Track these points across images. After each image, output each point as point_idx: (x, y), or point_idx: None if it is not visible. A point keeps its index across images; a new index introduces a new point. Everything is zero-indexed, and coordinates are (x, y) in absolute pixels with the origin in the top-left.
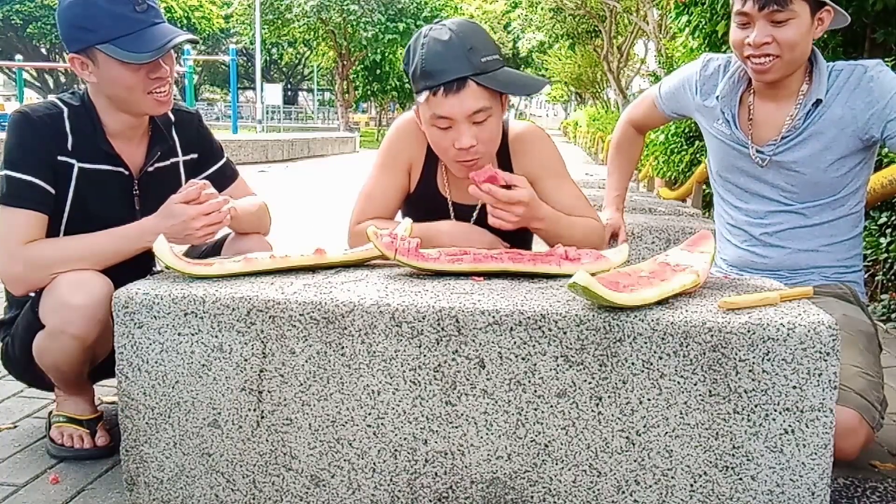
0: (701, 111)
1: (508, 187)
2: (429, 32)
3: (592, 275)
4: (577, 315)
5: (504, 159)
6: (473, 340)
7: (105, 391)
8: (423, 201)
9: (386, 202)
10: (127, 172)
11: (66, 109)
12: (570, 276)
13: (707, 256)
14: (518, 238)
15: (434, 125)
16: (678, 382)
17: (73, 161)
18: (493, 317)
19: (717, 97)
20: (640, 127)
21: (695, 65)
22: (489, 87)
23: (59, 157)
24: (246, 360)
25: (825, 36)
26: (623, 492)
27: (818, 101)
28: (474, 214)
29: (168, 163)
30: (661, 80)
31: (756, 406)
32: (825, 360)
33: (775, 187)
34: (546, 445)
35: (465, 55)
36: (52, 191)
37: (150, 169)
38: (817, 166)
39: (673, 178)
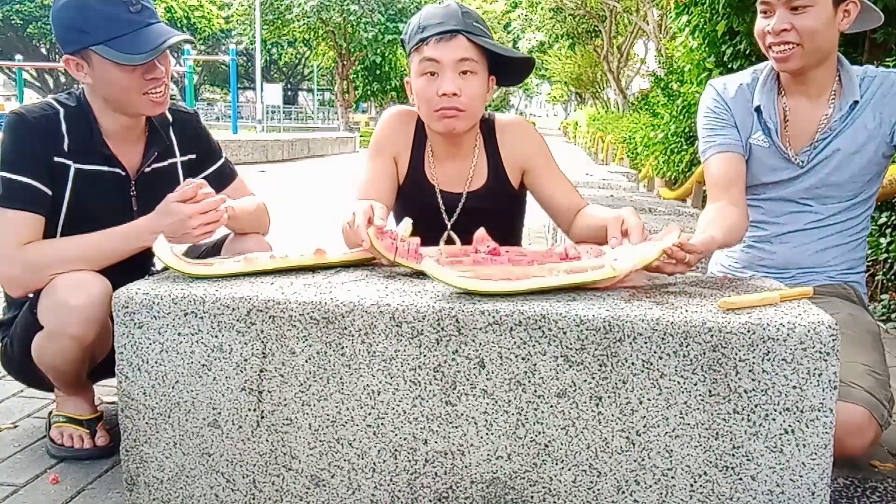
0: (740, 129)
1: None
2: (429, 3)
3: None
4: (577, 315)
5: (492, 148)
6: (473, 340)
7: (105, 391)
8: (413, 191)
9: (379, 188)
10: (124, 173)
11: (62, 110)
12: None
13: (648, 252)
14: (507, 231)
15: (422, 73)
16: (678, 382)
17: (70, 162)
18: (493, 317)
19: (759, 107)
20: (731, 193)
21: (708, 97)
22: (478, 46)
23: (56, 159)
24: (246, 360)
25: None
26: (623, 492)
27: (855, 103)
28: (461, 203)
29: (166, 163)
30: (704, 152)
31: (756, 406)
32: (825, 360)
33: (801, 189)
34: (546, 445)
35: (460, 15)
36: (49, 192)
37: (147, 169)
38: (845, 169)
39: (673, 178)
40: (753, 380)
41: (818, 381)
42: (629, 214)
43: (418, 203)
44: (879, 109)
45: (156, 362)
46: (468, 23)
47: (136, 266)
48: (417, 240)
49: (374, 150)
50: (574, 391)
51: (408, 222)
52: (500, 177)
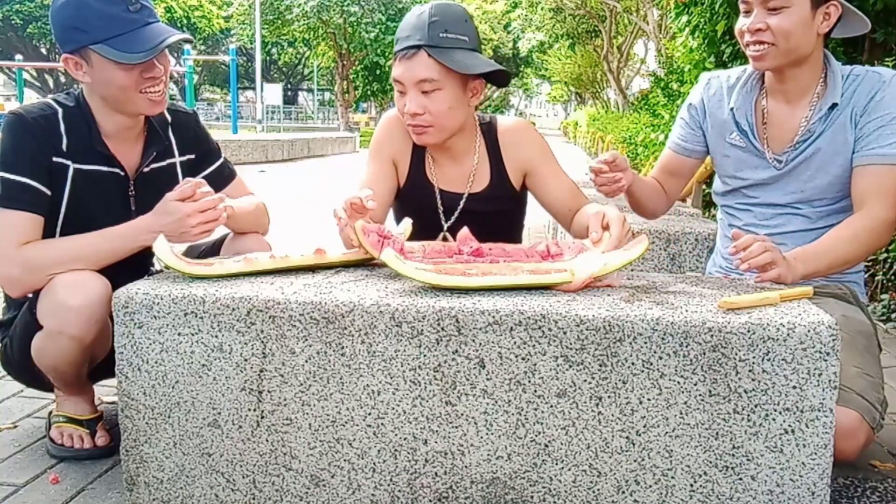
0: (714, 128)
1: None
2: (416, 7)
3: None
4: (577, 315)
5: (494, 153)
6: (473, 340)
7: (105, 391)
8: (413, 192)
9: (377, 190)
10: (122, 173)
11: (60, 110)
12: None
13: (610, 261)
14: (506, 231)
15: (396, 89)
16: (678, 382)
17: (69, 162)
18: (493, 317)
19: (732, 108)
20: (666, 181)
21: (696, 89)
22: (439, 61)
23: (55, 159)
24: (246, 360)
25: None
26: (623, 492)
27: (833, 105)
28: (461, 202)
29: (165, 163)
30: (668, 139)
31: (756, 406)
32: (825, 360)
33: (786, 192)
34: (546, 445)
35: (425, 27)
36: (48, 192)
37: (146, 169)
38: (827, 171)
39: None
40: (753, 380)
41: (818, 381)
42: (610, 209)
43: (417, 203)
44: (859, 112)
45: (156, 362)
46: (433, 35)
47: (136, 266)
48: (404, 236)
49: (373, 152)
50: (574, 391)
51: (407, 222)
52: (502, 179)
